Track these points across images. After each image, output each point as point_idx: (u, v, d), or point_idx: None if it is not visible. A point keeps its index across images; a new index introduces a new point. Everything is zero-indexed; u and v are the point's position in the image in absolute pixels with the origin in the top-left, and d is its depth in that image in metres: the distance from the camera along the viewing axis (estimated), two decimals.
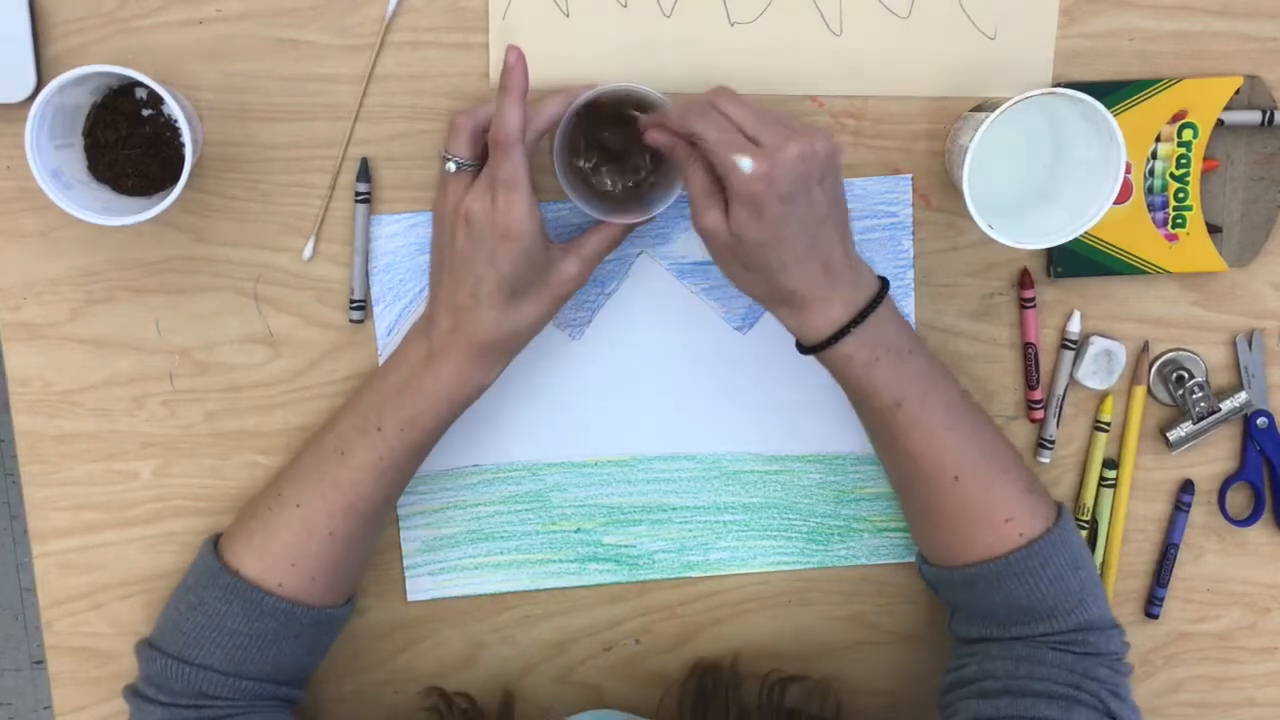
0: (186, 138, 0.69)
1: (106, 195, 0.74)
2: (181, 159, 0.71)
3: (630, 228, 0.76)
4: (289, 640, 0.74)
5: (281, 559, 0.73)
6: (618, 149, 0.77)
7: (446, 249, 0.72)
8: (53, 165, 0.69)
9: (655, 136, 0.71)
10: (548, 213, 0.79)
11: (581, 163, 0.77)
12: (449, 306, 0.72)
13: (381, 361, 0.80)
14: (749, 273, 0.70)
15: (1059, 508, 0.76)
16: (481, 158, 0.72)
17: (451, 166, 0.72)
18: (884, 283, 0.73)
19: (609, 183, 0.78)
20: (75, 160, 0.73)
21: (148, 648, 0.75)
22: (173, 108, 0.69)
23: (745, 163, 0.65)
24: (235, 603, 0.73)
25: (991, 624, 0.76)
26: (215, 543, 0.76)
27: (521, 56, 0.69)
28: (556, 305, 0.74)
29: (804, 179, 0.66)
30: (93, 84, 0.71)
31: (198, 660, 0.72)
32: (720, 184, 0.68)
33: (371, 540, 0.78)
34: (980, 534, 0.74)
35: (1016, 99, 0.69)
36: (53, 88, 0.67)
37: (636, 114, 0.74)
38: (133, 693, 0.74)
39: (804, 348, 0.73)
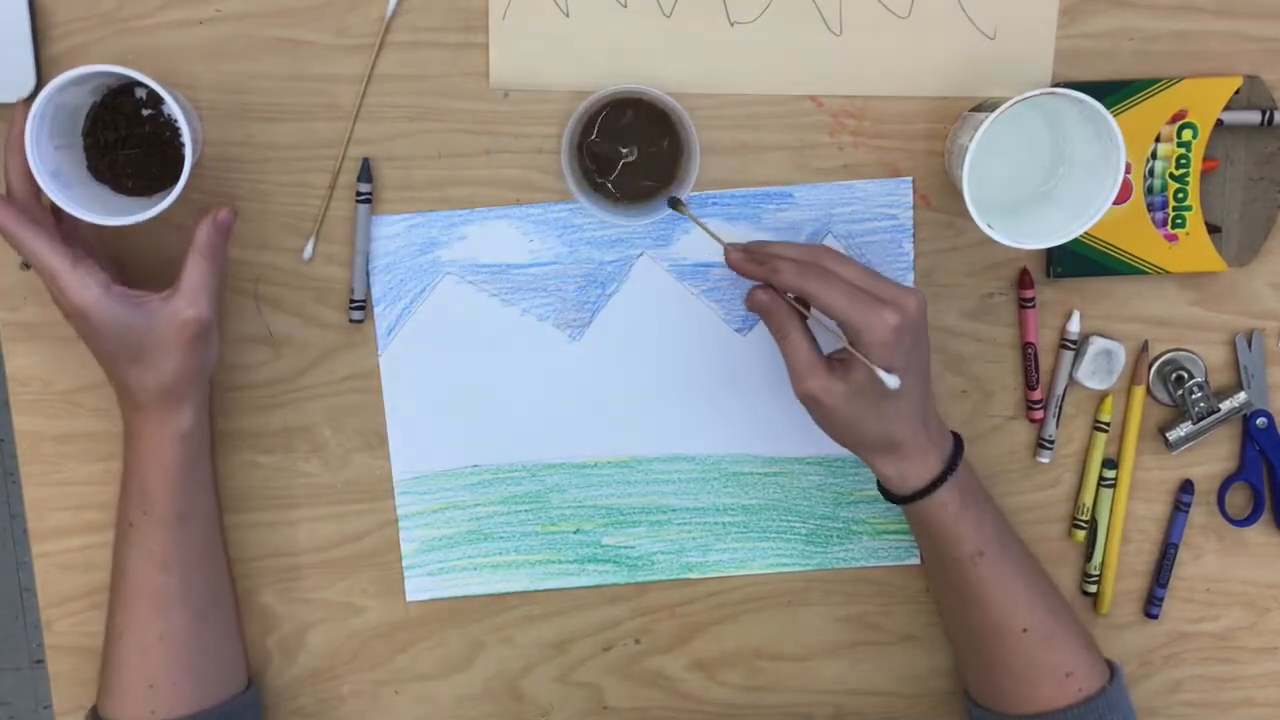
0: (186, 138, 0.69)
1: (106, 195, 0.74)
2: (181, 159, 0.71)
3: (224, 241, 0.72)
4: None
5: (138, 687, 0.73)
6: (622, 150, 0.77)
7: None
8: (52, 165, 0.69)
9: (760, 298, 0.70)
10: (549, 214, 0.79)
11: (587, 162, 0.77)
12: (111, 380, 0.73)
13: (381, 360, 0.80)
14: (858, 426, 0.72)
15: (1111, 665, 0.77)
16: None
17: (21, 266, 0.73)
18: (958, 435, 0.76)
19: (612, 185, 0.78)
20: (75, 160, 0.73)
21: None
22: (173, 108, 0.69)
23: (892, 379, 0.67)
24: None
25: None
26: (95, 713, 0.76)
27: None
28: (195, 345, 0.70)
29: (920, 331, 0.70)
30: (93, 84, 0.71)
31: None
32: (815, 344, 0.70)
33: (218, 619, 0.77)
34: (1040, 687, 0.75)
35: (1016, 99, 0.69)
36: (52, 87, 0.67)
37: (718, 240, 0.73)
38: None
39: (894, 496, 0.74)
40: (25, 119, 0.67)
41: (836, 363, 0.71)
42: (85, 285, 0.67)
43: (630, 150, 0.77)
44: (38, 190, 0.68)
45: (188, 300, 0.69)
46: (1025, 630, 0.75)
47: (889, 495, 0.75)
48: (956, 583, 0.76)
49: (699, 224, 0.73)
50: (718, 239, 0.72)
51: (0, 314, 0.78)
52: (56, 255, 0.67)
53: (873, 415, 0.71)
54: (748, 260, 0.71)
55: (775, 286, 0.71)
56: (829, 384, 0.70)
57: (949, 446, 0.75)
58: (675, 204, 0.75)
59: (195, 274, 0.70)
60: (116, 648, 0.74)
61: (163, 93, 0.68)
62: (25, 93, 0.74)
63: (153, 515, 0.72)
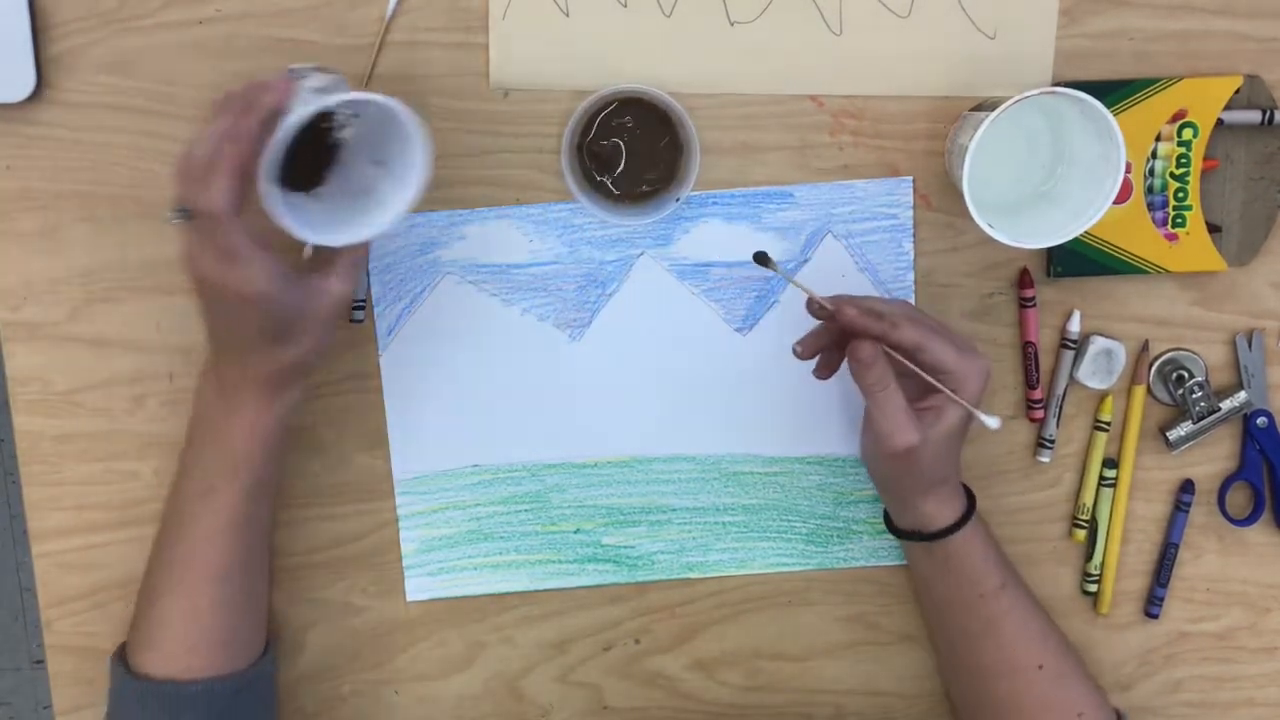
0: (421, 151, 0.67)
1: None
2: (330, 152, 0.70)
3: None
4: (223, 716, 0.73)
5: (178, 647, 0.72)
6: (623, 150, 0.77)
7: (199, 299, 0.68)
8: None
9: (868, 351, 0.69)
10: (549, 214, 0.79)
11: (587, 162, 0.77)
12: (224, 353, 0.70)
13: (381, 360, 0.80)
14: (929, 471, 0.73)
15: (1118, 711, 0.78)
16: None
17: (178, 219, 0.65)
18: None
19: (612, 185, 0.78)
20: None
21: None
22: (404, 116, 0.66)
23: (994, 420, 0.70)
24: (152, 705, 0.71)
25: None
26: (122, 656, 0.74)
27: (275, 95, 0.63)
28: (331, 325, 0.70)
29: None
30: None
31: None
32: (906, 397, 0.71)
33: (261, 587, 0.77)
34: None
35: (1016, 98, 0.69)
36: (303, 116, 0.63)
37: (808, 292, 0.72)
38: None
39: (925, 534, 0.75)
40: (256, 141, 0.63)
41: (922, 411, 0.72)
42: (266, 268, 0.65)
43: (630, 150, 0.77)
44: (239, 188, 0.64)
45: (342, 277, 0.69)
46: (1040, 667, 0.76)
47: (917, 535, 0.76)
48: (973, 620, 0.76)
49: (789, 279, 0.73)
50: (808, 291, 0.71)
51: (0, 314, 0.78)
52: (246, 236, 0.64)
53: (946, 458, 0.73)
54: (864, 315, 0.70)
55: (884, 341, 0.70)
56: (927, 434, 0.71)
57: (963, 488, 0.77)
58: (763, 259, 0.72)
59: (353, 249, 0.69)
60: (163, 605, 0.72)
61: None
62: (25, 93, 0.74)
63: (238, 483, 0.71)
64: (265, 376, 0.70)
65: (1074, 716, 0.75)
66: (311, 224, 0.66)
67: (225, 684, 0.73)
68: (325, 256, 0.69)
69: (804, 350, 0.74)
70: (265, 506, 0.75)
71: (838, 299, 0.71)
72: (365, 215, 0.69)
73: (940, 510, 0.75)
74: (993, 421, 0.69)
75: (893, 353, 0.71)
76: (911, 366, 0.71)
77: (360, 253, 0.70)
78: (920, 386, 0.72)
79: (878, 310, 0.71)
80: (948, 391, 0.71)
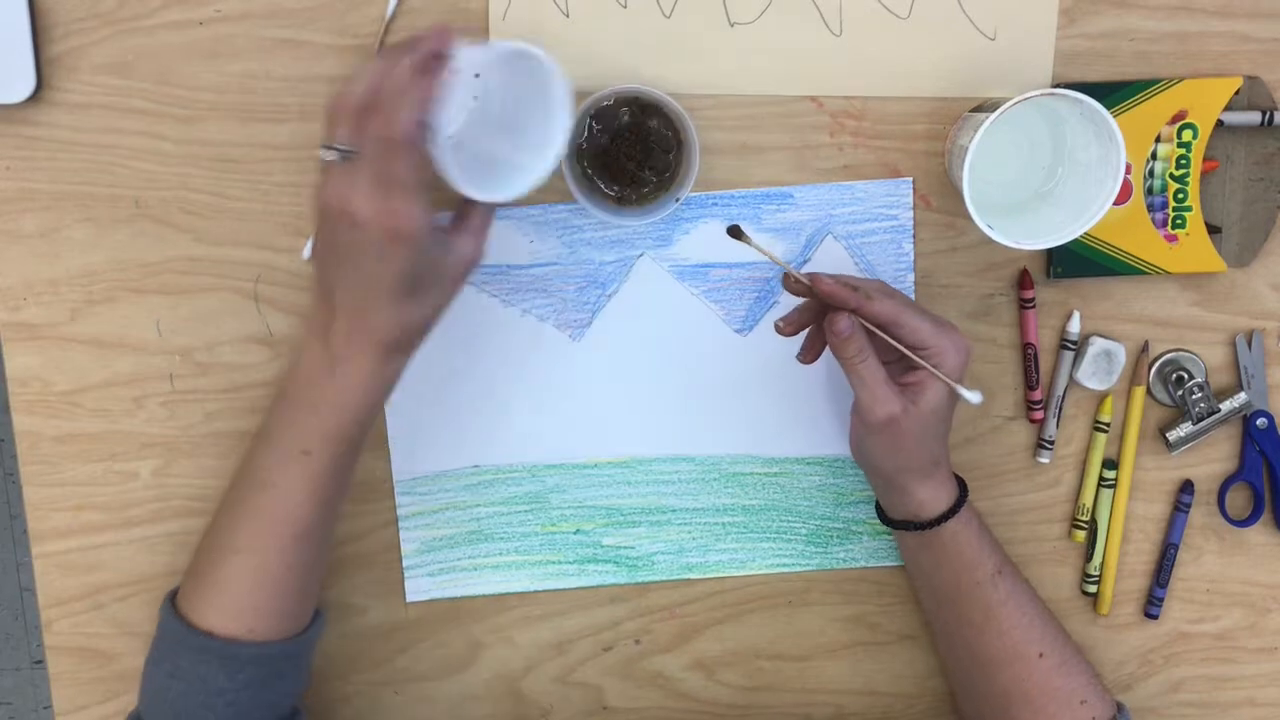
0: (562, 110, 0.69)
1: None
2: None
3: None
4: (275, 678, 0.72)
5: (245, 606, 0.71)
6: (624, 151, 0.77)
7: (332, 248, 0.66)
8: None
9: (844, 324, 0.70)
10: (549, 214, 0.79)
11: (586, 163, 0.77)
12: (343, 309, 0.67)
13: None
14: (917, 449, 0.73)
15: (1118, 702, 0.78)
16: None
17: (332, 155, 0.64)
18: None
19: (613, 187, 0.78)
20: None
21: None
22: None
23: (975, 395, 0.70)
24: (213, 663, 0.70)
25: None
26: (173, 604, 0.73)
27: (446, 36, 0.64)
28: (457, 289, 0.70)
29: None
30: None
31: None
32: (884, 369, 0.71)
33: (327, 553, 0.76)
34: (1057, 716, 0.75)
35: (1016, 99, 0.69)
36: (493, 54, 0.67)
37: (783, 265, 0.72)
38: None
39: (920, 523, 0.76)
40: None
41: (904, 387, 0.72)
42: (426, 207, 0.64)
43: (625, 150, 0.77)
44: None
45: (474, 240, 0.69)
46: (1042, 655, 0.76)
47: (911, 524, 0.76)
48: (973, 609, 0.76)
49: (763, 251, 0.72)
50: (783, 264, 0.72)
51: (0, 314, 0.78)
52: (420, 170, 0.64)
53: (932, 436, 0.73)
54: (841, 286, 0.70)
55: (860, 313, 0.70)
56: (908, 406, 0.71)
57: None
58: (736, 233, 0.73)
59: (484, 211, 0.69)
60: (235, 563, 0.71)
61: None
62: (26, 93, 0.74)
63: (335, 448, 0.70)
64: (383, 338, 0.67)
65: (1077, 704, 0.75)
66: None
67: (285, 646, 0.72)
68: (457, 219, 0.69)
69: (786, 326, 0.74)
70: (351, 472, 0.73)
71: (813, 274, 0.72)
72: (496, 179, 0.69)
73: (934, 497, 0.75)
74: (974, 396, 0.70)
75: (874, 329, 0.71)
76: (892, 342, 0.71)
77: (490, 218, 0.70)
78: (902, 367, 0.72)
79: (853, 284, 0.71)
80: (928, 366, 0.71)
